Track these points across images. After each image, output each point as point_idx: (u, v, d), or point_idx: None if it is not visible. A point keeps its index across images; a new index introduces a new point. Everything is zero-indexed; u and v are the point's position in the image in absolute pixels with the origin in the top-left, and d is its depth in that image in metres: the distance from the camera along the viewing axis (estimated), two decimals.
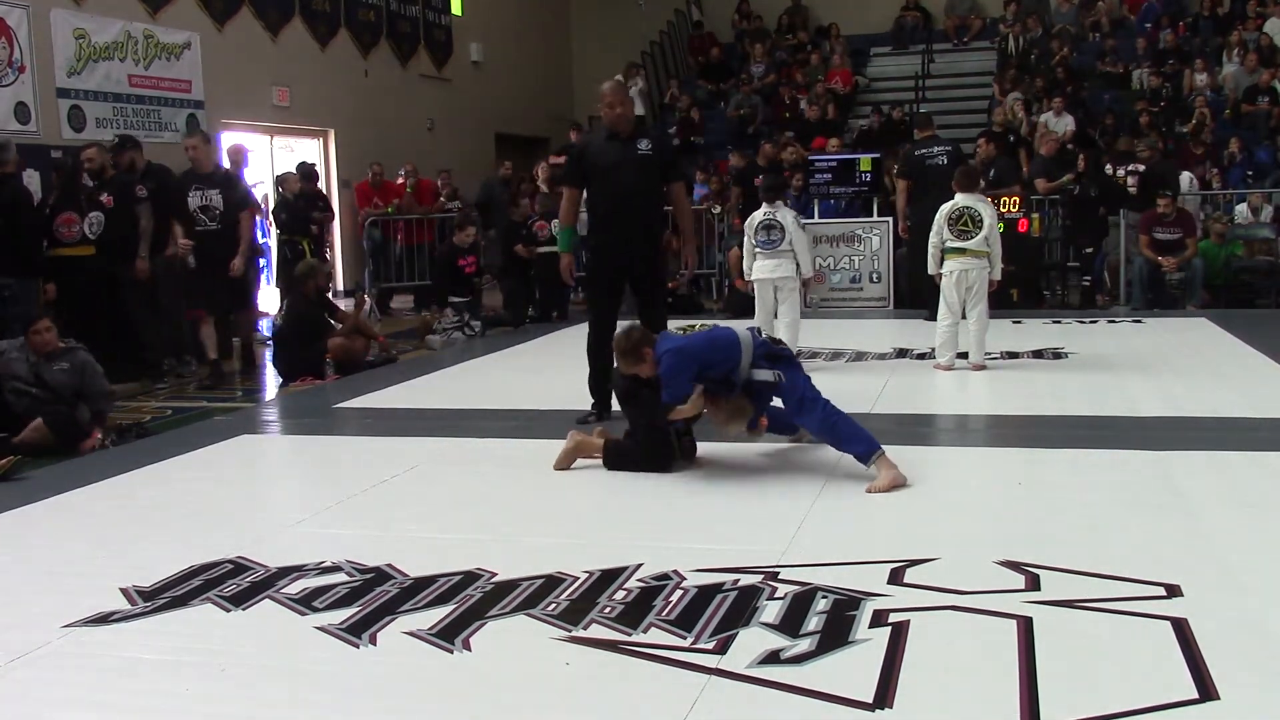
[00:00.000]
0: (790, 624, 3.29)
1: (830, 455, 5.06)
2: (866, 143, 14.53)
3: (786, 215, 7.88)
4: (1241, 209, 12.09)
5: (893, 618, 3.30)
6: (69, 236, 8.04)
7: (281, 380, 8.48)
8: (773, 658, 3.08)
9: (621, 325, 5.63)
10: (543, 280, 11.39)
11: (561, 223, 6.54)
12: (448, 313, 10.52)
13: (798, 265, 7.87)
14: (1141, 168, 11.74)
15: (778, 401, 5.09)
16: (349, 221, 14.50)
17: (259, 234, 10.36)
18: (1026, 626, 3.22)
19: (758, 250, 7.89)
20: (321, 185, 14.41)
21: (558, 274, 11.48)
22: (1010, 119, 14.22)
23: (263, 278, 10.73)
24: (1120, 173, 11.76)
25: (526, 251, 11.36)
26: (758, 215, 7.94)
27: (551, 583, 3.70)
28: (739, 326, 5.19)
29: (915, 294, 10.78)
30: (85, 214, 8.10)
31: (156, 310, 8.58)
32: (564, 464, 5.25)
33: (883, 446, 4.79)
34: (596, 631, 3.30)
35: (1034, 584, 3.55)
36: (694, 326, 5.17)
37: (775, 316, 7.91)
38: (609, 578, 3.72)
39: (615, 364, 5.31)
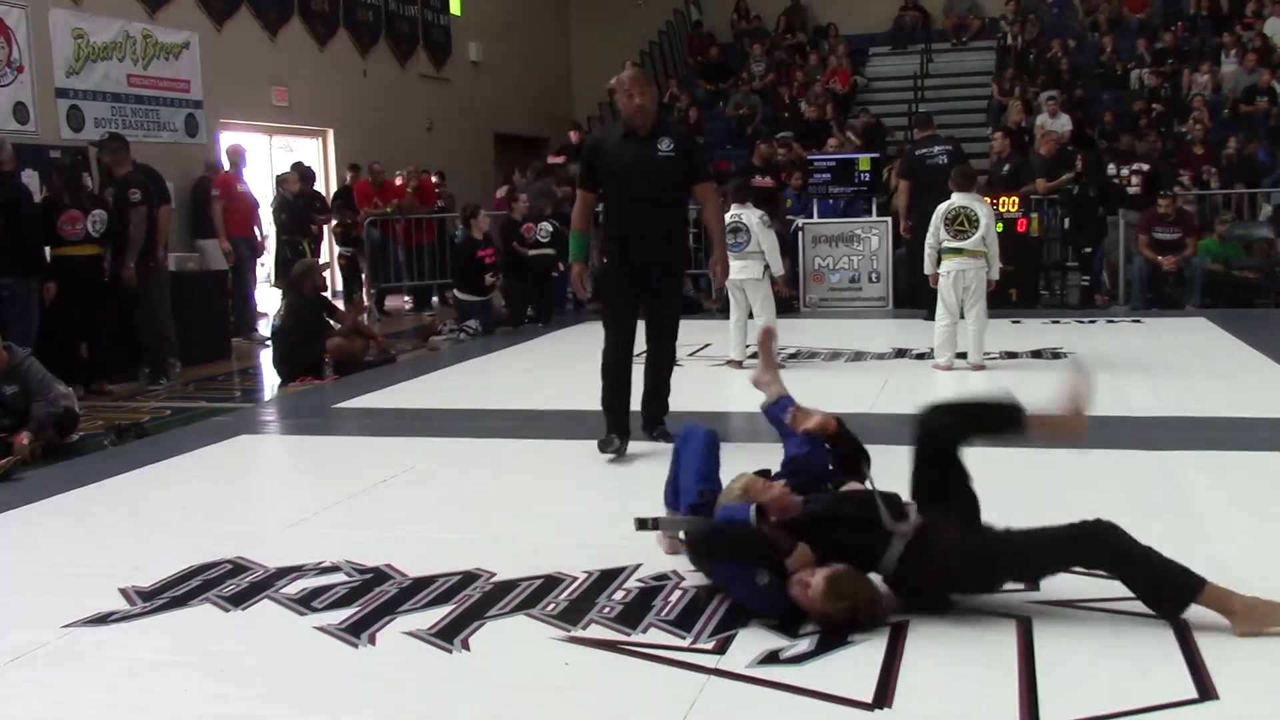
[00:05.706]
0: (789, 624, 3.28)
1: None
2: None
3: (751, 216, 7.96)
4: (1266, 210, 12.11)
5: (892, 618, 3.30)
6: (73, 235, 7.99)
7: (280, 380, 8.48)
8: (772, 658, 3.08)
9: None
10: (533, 282, 11.33)
11: (574, 227, 5.86)
12: (449, 322, 10.44)
13: (767, 265, 7.96)
14: (1145, 167, 11.72)
15: None
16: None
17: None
18: (1026, 626, 3.22)
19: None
20: (329, 185, 14.45)
21: (549, 277, 11.49)
22: (1021, 120, 14.15)
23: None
24: (1124, 172, 11.75)
25: (519, 250, 11.29)
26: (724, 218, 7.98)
27: (551, 583, 3.70)
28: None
29: (914, 294, 10.78)
30: (89, 212, 8.06)
31: (149, 312, 8.55)
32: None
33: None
34: (596, 631, 3.30)
35: (1034, 584, 3.54)
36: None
37: (751, 317, 7.98)
38: (608, 578, 3.72)
39: None
